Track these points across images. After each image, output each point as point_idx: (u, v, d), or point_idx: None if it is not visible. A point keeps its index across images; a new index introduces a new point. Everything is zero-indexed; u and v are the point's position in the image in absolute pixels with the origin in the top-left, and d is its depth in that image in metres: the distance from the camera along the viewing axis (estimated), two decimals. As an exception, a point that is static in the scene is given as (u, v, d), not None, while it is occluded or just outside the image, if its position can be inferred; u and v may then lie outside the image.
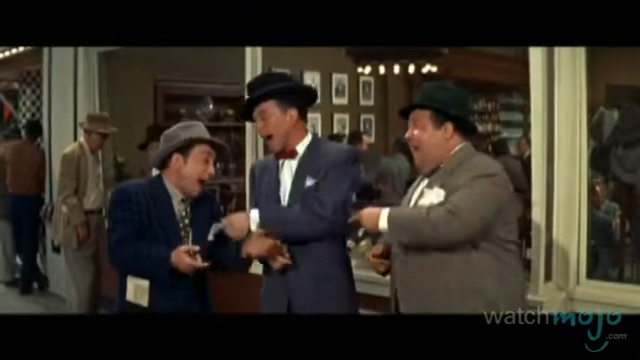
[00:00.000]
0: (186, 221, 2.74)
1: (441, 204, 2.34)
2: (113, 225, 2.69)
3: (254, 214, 2.68)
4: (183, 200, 2.73)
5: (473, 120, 2.69)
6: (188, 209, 2.74)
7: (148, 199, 2.66)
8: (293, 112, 2.72)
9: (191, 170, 2.69)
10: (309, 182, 2.70)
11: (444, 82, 2.60)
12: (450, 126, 2.47)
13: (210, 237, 2.70)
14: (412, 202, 2.53)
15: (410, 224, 2.35)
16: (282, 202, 2.75)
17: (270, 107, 2.70)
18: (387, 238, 2.60)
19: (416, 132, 2.51)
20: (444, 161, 2.48)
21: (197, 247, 2.55)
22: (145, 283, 2.64)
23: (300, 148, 2.77)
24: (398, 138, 6.87)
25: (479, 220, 2.28)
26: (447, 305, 2.34)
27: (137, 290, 2.66)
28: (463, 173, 2.37)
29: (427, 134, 2.48)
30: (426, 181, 2.54)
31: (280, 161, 2.78)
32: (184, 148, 2.68)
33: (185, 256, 2.51)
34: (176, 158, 2.69)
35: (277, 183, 2.77)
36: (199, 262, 2.53)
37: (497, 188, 2.36)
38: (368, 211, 2.45)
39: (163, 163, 2.73)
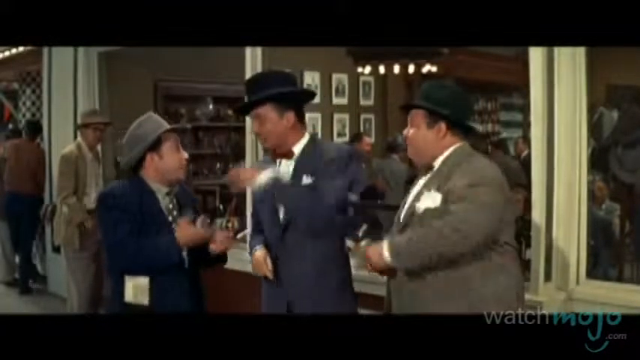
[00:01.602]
0: (175, 213, 2.77)
1: (436, 209, 2.34)
2: (108, 228, 2.68)
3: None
4: (167, 193, 2.76)
5: (472, 120, 2.67)
6: (174, 201, 2.78)
7: (134, 199, 2.68)
8: (290, 116, 2.72)
9: (169, 163, 2.72)
10: (307, 180, 2.70)
11: (443, 81, 2.60)
12: (443, 126, 2.47)
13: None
14: (407, 204, 2.53)
15: (414, 248, 2.32)
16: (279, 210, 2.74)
17: (267, 112, 2.69)
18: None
19: (411, 130, 2.53)
20: (438, 162, 2.48)
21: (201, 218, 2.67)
22: (145, 282, 2.65)
23: (297, 148, 2.77)
24: (388, 139, 6.89)
25: (482, 235, 2.29)
26: (432, 304, 2.35)
27: (137, 290, 2.66)
28: (459, 177, 2.36)
29: (420, 133, 2.49)
30: (422, 182, 2.54)
31: (278, 161, 2.80)
32: (155, 145, 2.70)
33: (190, 226, 2.62)
34: (150, 157, 2.71)
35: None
36: (206, 228, 2.64)
37: (497, 195, 2.34)
38: (371, 250, 2.41)
39: (137, 165, 2.74)
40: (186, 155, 2.78)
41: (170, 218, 2.75)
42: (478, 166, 2.43)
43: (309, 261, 2.72)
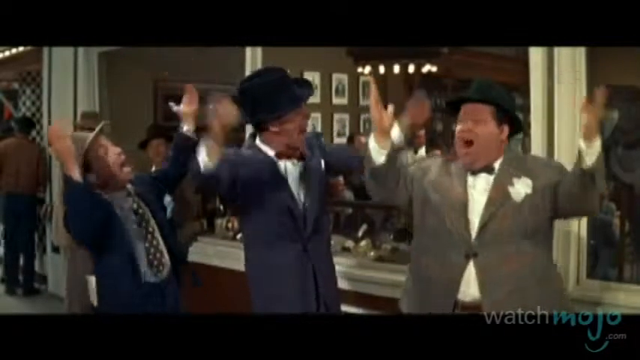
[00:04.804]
0: (141, 211, 2.66)
1: (532, 196, 2.33)
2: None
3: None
4: (129, 194, 2.66)
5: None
6: (141, 202, 2.68)
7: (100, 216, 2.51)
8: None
9: (103, 164, 2.60)
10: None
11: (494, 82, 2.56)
12: (506, 127, 2.42)
13: (169, 214, 2.72)
14: (484, 197, 2.38)
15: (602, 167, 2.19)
16: (300, 202, 2.80)
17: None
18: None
19: (479, 126, 2.38)
20: (498, 164, 2.41)
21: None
22: (92, 281, 2.66)
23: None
24: None
25: None
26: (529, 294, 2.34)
27: (91, 290, 2.69)
28: (545, 168, 2.41)
29: (488, 129, 2.39)
30: (480, 181, 2.41)
31: (284, 162, 2.79)
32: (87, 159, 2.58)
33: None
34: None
35: (285, 182, 2.79)
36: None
37: None
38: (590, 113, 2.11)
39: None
40: (117, 150, 2.63)
41: (143, 223, 2.63)
42: (546, 158, 2.70)
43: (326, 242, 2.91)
